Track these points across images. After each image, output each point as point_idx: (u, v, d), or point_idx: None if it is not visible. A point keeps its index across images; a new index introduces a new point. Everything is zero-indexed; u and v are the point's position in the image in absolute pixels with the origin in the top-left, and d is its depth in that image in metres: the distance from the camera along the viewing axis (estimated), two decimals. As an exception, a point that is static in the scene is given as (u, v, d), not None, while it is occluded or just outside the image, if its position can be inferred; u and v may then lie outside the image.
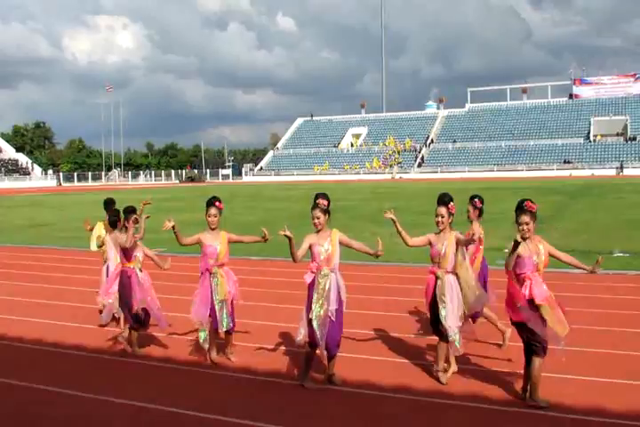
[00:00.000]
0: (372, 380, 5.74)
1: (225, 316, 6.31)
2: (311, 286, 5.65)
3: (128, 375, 6.13)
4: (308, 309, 5.61)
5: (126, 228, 6.75)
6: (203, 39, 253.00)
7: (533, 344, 5.08)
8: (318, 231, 5.78)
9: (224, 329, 6.35)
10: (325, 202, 5.75)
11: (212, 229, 6.42)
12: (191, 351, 6.77)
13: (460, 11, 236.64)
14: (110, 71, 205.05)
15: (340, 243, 5.72)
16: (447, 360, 5.83)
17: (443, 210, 5.90)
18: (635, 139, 76.88)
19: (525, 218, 5.24)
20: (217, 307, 6.29)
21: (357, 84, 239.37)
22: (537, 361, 5.06)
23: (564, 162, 75.30)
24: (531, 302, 5.09)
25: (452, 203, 5.89)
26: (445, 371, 5.76)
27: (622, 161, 71.16)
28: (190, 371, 6.20)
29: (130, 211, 6.79)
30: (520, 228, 5.25)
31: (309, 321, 5.57)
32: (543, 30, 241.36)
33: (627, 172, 67.33)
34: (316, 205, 5.77)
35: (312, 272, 5.66)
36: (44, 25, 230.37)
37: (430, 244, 5.91)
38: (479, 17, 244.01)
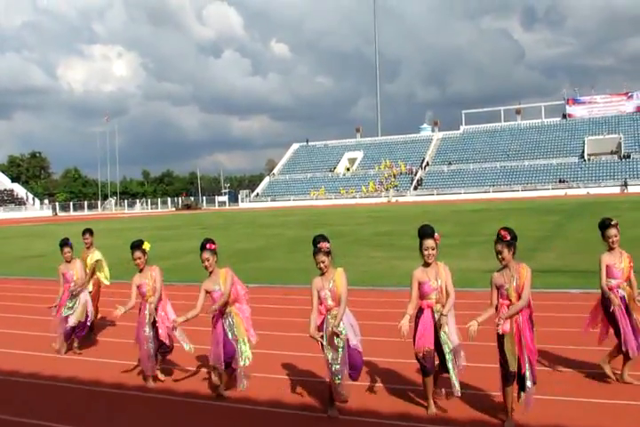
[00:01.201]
0: (371, 407, 5.67)
1: (243, 351, 6.21)
2: (321, 328, 5.57)
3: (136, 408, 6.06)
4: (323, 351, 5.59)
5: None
6: (197, 66, 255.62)
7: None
8: (323, 274, 5.67)
9: (244, 364, 6.20)
10: (327, 244, 5.61)
11: (210, 273, 6.30)
12: (191, 382, 6.70)
13: (452, 34, 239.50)
14: (106, 100, 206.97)
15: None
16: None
17: (431, 242, 5.53)
18: (629, 157, 77.35)
19: (498, 247, 5.14)
20: (236, 346, 6.17)
21: (352, 109, 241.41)
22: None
23: (560, 181, 75.63)
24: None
25: (436, 234, 5.57)
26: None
27: (626, 178, 71.59)
28: (191, 402, 6.11)
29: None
30: (497, 257, 5.20)
31: (327, 365, 5.53)
32: (536, 51, 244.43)
33: (618, 189, 67.95)
34: (318, 250, 5.60)
35: (321, 314, 5.61)
36: (40, 54, 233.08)
37: (420, 283, 5.58)
38: (472, 40, 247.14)
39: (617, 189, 68.66)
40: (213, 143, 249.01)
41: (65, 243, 8.32)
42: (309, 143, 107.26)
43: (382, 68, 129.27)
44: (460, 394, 5.44)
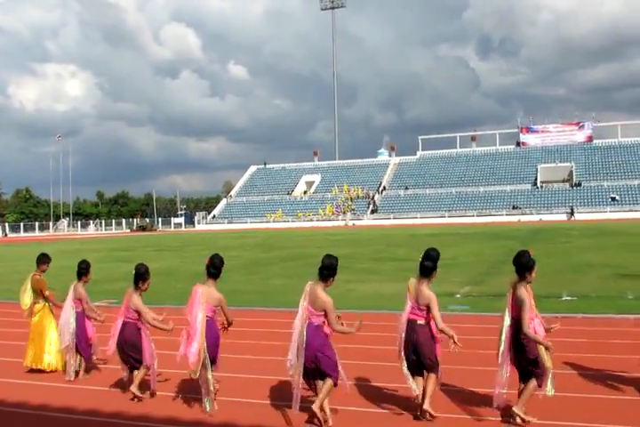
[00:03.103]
0: None
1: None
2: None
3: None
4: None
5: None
6: (154, 87, 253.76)
7: None
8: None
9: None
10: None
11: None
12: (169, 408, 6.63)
13: (410, 61, 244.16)
14: (59, 119, 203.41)
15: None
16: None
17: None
18: (580, 185, 79.48)
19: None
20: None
21: (310, 132, 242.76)
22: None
23: (513, 207, 77.11)
24: None
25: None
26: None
27: (572, 206, 73.28)
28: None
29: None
30: None
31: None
32: (491, 80, 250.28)
33: (577, 216, 69.50)
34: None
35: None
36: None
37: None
38: (429, 67, 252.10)
39: (574, 217, 70.08)
40: (170, 164, 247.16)
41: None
42: (267, 166, 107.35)
43: (340, 93, 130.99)
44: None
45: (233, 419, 6.11)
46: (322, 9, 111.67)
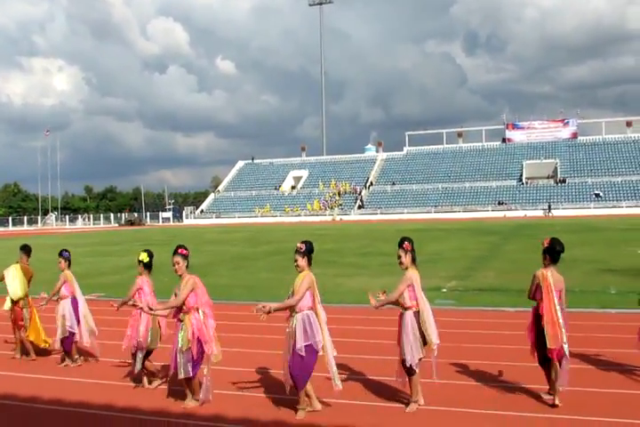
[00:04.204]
0: (347, 424, 5.71)
1: (182, 364, 6.21)
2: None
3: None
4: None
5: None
6: (142, 82, 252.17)
7: None
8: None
9: (180, 377, 6.25)
10: (302, 245, 6.03)
11: (180, 276, 6.44)
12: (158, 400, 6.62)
13: (397, 57, 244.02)
14: (46, 114, 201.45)
15: (309, 285, 5.97)
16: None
17: (399, 252, 6.17)
18: (564, 181, 79.92)
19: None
20: (178, 355, 6.24)
21: (298, 128, 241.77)
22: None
23: (498, 203, 77.43)
24: None
25: (406, 242, 6.14)
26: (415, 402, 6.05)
27: (550, 202, 73.76)
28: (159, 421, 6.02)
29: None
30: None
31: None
32: (477, 76, 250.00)
33: (556, 212, 69.74)
34: (295, 250, 6.06)
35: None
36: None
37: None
38: (416, 63, 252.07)
39: (554, 212, 70.43)
40: (158, 159, 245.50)
41: (60, 253, 8.30)
42: (255, 161, 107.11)
43: (328, 89, 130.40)
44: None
45: (223, 411, 6.12)
46: (310, 4, 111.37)
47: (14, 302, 8.61)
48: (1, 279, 8.73)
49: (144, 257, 7.07)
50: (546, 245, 6.27)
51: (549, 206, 71.56)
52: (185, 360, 6.18)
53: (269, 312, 5.87)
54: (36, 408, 6.42)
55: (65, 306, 8.14)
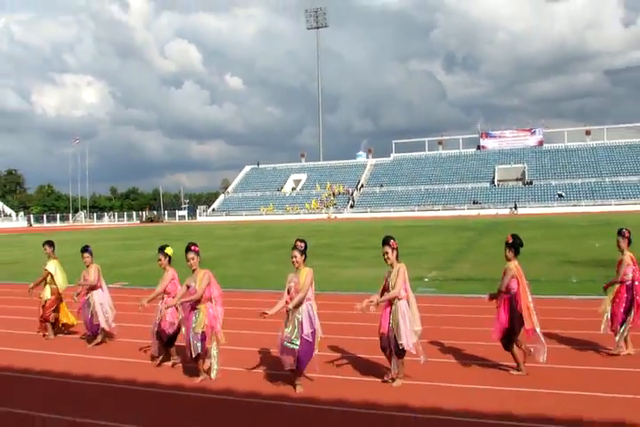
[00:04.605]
0: (341, 397, 5.70)
1: (196, 343, 6.22)
2: (286, 313, 5.97)
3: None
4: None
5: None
6: (161, 96, 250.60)
7: None
8: (296, 269, 6.02)
9: (194, 355, 6.24)
10: (302, 244, 6.00)
11: (193, 271, 6.40)
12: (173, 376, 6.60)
13: (385, 74, 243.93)
14: (77, 124, 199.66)
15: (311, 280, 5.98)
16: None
17: (386, 248, 6.03)
18: (531, 183, 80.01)
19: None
20: (191, 336, 6.24)
21: (298, 137, 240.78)
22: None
23: (474, 203, 77.45)
24: None
25: (392, 240, 6.04)
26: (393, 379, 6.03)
27: (516, 201, 73.88)
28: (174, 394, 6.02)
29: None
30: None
31: (280, 342, 5.89)
32: (455, 91, 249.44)
33: (521, 211, 70.00)
34: (294, 247, 5.99)
35: (286, 302, 5.93)
36: (15, 81, 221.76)
37: (385, 279, 6.10)
38: (401, 80, 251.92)
39: (522, 211, 70.51)
40: (175, 164, 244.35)
41: (84, 249, 8.26)
42: (260, 166, 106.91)
43: (324, 102, 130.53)
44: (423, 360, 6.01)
45: (232, 386, 6.12)
46: (307, 28, 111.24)
47: (52, 292, 8.63)
48: (49, 276, 8.66)
49: (171, 251, 7.08)
50: (510, 241, 6.31)
51: (515, 205, 71.90)
52: (195, 341, 6.20)
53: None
54: (68, 383, 6.42)
55: (100, 295, 8.19)
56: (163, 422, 5.26)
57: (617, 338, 6.90)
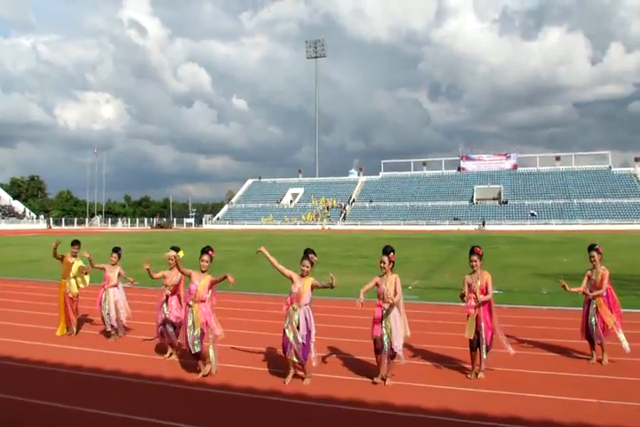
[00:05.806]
0: (330, 394, 5.64)
1: (194, 341, 6.13)
2: (285, 315, 6.01)
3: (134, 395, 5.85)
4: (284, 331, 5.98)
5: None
6: (173, 113, 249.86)
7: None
8: (302, 275, 6.07)
9: (194, 352, 6.16)
10: (315, 257, 6.14)
11: (202, 272, 6.36)
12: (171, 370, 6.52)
13: (375, 101, 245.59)
14: (95, 136, 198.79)
15: (312, 287, 6.02)
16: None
17: (384, 258, 6.09)
18: (506, 202, 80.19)
19: (474, 257, 6.45)
20: (188, 333, 6.16)
21: (296, 154, 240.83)
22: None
23: (454, 219, 77.48)
24: None
25: (392, 253, 6.09)
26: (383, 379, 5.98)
27: (484, 218, 74.15)
28: (176, 388, 5.93)
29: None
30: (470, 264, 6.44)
31: (285, 338, 5.93)
32: (439, 117, 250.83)
33: (497, 227, 70.09)
34: (306, 257, 6.11)
35: (286, 304, 5.99)
36: (40, 96, 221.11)
37: (377, 285, 6.06)
38: (390, 106, 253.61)
39: (498, 227, 70.62)
40: (184, 176, 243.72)
41: (115, 250, 8.24)
42: (261, 180, 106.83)
43: (321, 123, 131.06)
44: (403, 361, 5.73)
45: (229, 381, 6.05)
46: (307, 57, 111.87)
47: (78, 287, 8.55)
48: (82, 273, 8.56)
49: (182, 253, 7.13)
50: (481, 253, 6.55)
51: (484, 222, 72.01)
52: (193, 338, 6.12)
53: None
54: (80, 375, 6.32)
55: (117, 293, 8.13)
56: (165, 413, 5.17)
57: (621, 338, 6.78)
